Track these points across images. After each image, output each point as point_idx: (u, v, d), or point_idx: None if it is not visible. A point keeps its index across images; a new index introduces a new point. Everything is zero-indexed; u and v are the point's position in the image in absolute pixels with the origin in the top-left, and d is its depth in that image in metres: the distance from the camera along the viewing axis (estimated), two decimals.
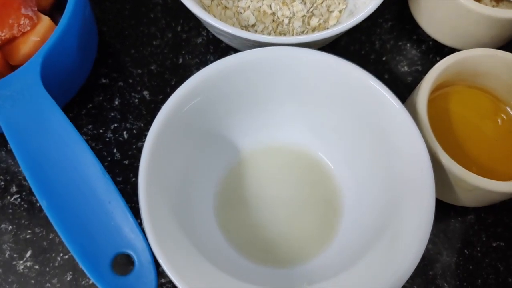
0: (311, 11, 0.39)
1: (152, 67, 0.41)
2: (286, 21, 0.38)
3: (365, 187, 0.35)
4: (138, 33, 0.42)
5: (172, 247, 0.28)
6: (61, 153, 0.28)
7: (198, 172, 0.34)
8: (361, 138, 0.34)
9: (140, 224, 0.28)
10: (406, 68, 0.42)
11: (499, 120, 0.38)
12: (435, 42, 0.42)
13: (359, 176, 0.35)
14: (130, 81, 0.41)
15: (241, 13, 0.38)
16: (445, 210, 0.37)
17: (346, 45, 0.42)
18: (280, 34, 0.38)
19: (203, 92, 0.32)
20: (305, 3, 0.39)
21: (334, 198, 0.36)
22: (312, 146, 0.37)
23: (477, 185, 0.31)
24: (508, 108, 0.37)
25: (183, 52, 0.42)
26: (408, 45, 0.43)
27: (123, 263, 0.28)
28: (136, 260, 0.28)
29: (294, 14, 0.38)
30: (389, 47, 0.43)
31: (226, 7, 0.39)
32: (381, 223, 0.32)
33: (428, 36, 0.42)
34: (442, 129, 0.37)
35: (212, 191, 0.35)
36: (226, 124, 0.35)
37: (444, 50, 0.42)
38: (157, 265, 0.28)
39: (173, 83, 0.41)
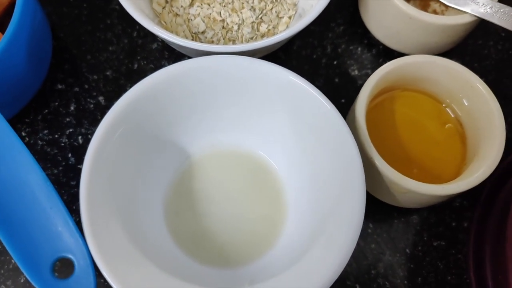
0: (260, 18, 0.40)
1: (108, 73, 0.42)
2: (236, 27, 0.39)
3: (307, 187, 0.36)
4: (94, 38, 0.43)
5: (113, 250, 0.30)
6: (2, 160, 0.29)
7: (146, 177, 0.35)
8: (302, 140, 0.35)
9: (81, 228, 0.29)
10: (356, 72, 0.43)
11: (442, 123, 0.39)
12: (385, 46, 0.43)
13: (302, 177, 0.36)
14: (86, 86, 0.42)
15: (191, 20, 0.39)
16: (389, 211, 0.38)
17: (298, 50, 0.43)
18: (230, 40, 0.39)
19: (147, 100, 0.33)
20: (254, 10, 0.40)
21: (278, 199, 0.37)
22: (258, 149, 0.38)
23: (409, 188, 0.32)
24: (449, 111, 0.39)
25: (139, 57, 0.43)
26: (359, 49, 0.44)
27: (65, 267, 0.29)
28: (76, 264, 0.29)
29: (243, 21, 0.39)
30: (341, 51, 0.44)
31: (177, 14, 0.40)
32: (320, 223, 0.33)
33: (379, 40, 0.43)
34: (386, 132, 0.38)
35: (161, 195, 0.36)
36: (174, 130, 0.36)
37: (393, 54, 0.43)
38: (96, 268, 0.29)
39: (127, 89, 0.41)
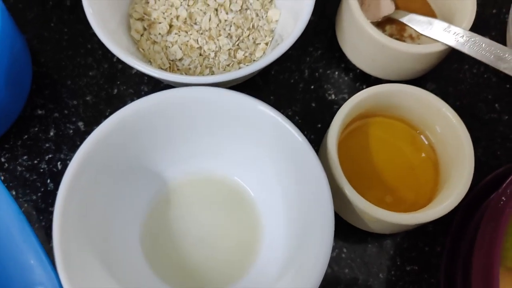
0: (237, 45, 0.40)
1: (88, 98, 0.43)
2: (212, 54, 0.40)
3: (282, 214, 0.36)
4: (75, 63, 0.44)
5: (86, 281, 0.30)
6: None
7: (122, 205, 0.36)
8: (276, 166, 0.36)
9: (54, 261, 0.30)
10: (333, 96, 0.44)
11: (416, 149, 0.39)
12: (362, 70, 0.44)
13: (276, 203, 0.37)
14: (66, 112, 0.42)
15: (169, 47, 0.40)
16: (362, 236, 0.39)
17: (276, 74, 0.44)
18: (206, 67, 0.40)
19: (120, 132, 0.33)
20: (231, 37, 0.40)
21: (254, 225, 0.38)
22: (234, 175, 0.38)
23: (378, 218, 0.33)
24: (423, 137, 0.39)
25: (118, 82, 0.43)
26: (336, 73, 0.44)
27: None
28: None
29: (220, 48, 0.40)
30: (318, 76, 0.44)
31: (154, 41, 0.40)
32: (293, 250, 0.34)
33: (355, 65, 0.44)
34: (360, 158, 0.39)
35: (138, 221, 0.37)
36: (149, 158, 0.37)
37: (370, 79, 0.44)
38: None
39: (107, 114, 0.42)
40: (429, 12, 0.44)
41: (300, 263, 0.32)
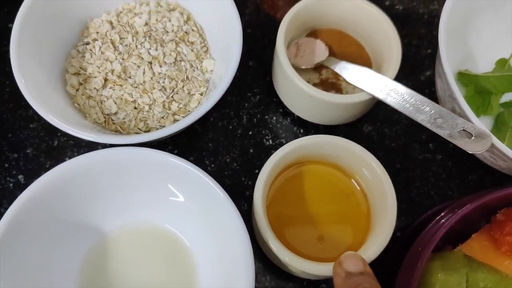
0: (172, 97, 0.41)
1: (28, 151, 0.43)
2: (147, 108, 0.41)
3: (216, 263, 0.37)
4: (16, 116, 0.44)
5: None
6: None
7: (58, 260, 0.37)
8: (206, 219, 0.37)
9: None
10: (271, 142, 0.45)
11: (348, 194, 0.40)
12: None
13: (211, 253, 0.38)
14: (6, 165, 0.43)
15: (104, 101, 0.41)
16: (299, 280, 0.40)
17: (215, 121, 0.45)
18: (141, 120, 0.40)
19: (54, 191, 0.35)
20: (165, 90, 0.41)
21: (191, 275, 0.38)
22: (170, 226, 0.39)
23: (302, 270, 0.34)
24: (355, 183, 0.40)
25: (59, 134, 0.44)
26: (274, 118, 0.45)
27: None
28: None
29: (154, 101, 0.41)
30: (256, 121, 0.45)
31: (90, 96, 0.41)
32: None
33: None
34: (294, 205, 0.40)
35: (75, 274, 0.38)
36: (84, 213, 0.37)
37: (307, 123, 0.45)
38: None
39: (47, 166, 0.43)
40: (363, 56, 0.46)
41: None
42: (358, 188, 0.40)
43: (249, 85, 0.46)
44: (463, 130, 0.35)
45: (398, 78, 0.46)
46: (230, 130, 0.45)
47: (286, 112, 0.45)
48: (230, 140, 0.44)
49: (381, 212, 0.37)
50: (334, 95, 0.39)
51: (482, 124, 0.35)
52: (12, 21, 0.38)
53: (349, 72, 0.42)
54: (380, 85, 0.39)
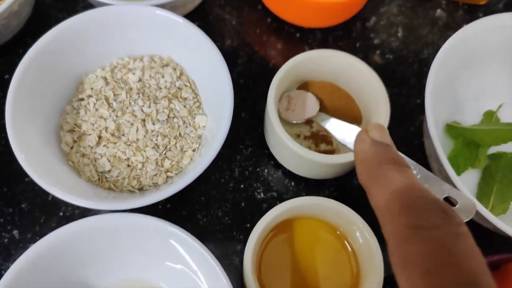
0: (164, 154, 0.42)
1: (23, 205, 0.44)
2: (140, 165, 0.41)
3: None
4: (11, 170, 0.45)
5: None
6: None
7: None
8: (203, 282, 0.38)
9: None
10: (262, 195, 0.45)
11: (338, 250, 0.41)
12: None
13: None
14: (1, 220, 0.43)
15: (98, 159, 0.41)
16: None
17: (207, 174, 0.46)
18: (134, 178, 0.41)
19: (51, 255, 0.36)
20: (158, 147, 0.42)
21: None
22: (167, 285, 0.40)
23: None
24: (342, 236, 0.41)
25: None
26: (266, 170, 0.46)
27: None
28: None
29: (147, 159, 0.41)
30: (248, 174, 0.46)
31: (84, 154, 0.42)
32: None
33: None
34: (283, 259, 0.40)
35: None
36: (81, 273, 0.38)
37: (297, 176, 0.45)
38: None
39: (42, 221, 0.43)
40: (354, 109, 0.46)
41: None
42: (347, 245, 0.41)
43: (241, 137, 0.47)
44: (448, 196, 0.36)
45: (387, 129, 0.47)
46: (222, 183, 0.45)
47: (278, 165, 0.46)
48: (222, 194, 0.45)
49: (369, 274, 0.38)
50: (322, 155, 0.40)
51: (466, 190, 0.36)
52: (8, 72, 0.39)
53: (338, 129, 0.42)
54: None
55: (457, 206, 0.35)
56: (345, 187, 0.46)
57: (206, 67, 0.43)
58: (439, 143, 0.39)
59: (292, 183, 0.46)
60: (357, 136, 0.28)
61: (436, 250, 0.21)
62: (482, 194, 0.45)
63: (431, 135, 0.39)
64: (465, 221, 0.35)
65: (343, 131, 0.42)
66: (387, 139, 0.28)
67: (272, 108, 0.41)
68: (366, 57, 0.51)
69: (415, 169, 0.37)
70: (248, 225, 0.44)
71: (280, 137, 0.40)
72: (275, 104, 0.42)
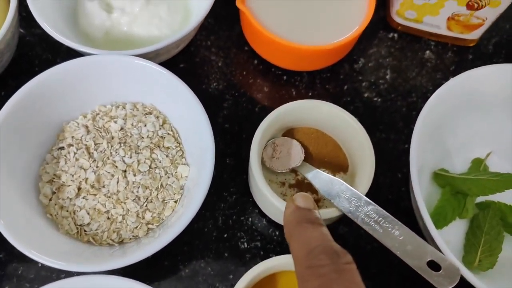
0: (145, 206, 0.41)
1: (1, 255, 0.43)
2: (120, 218, 0.41)
3: None
4: None
5: None
6: None
7: None
8: None
9: None
10: (246, 245, 0.44)
11: None
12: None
13: None
14: None
15: (77, 211, 0.41)
16: None
17: (191, 223, 0.44)
18: (114, 231, 0.40)
19: None
20: (139, 199, 0.41)
21: None
22: None
23: None
24: None
25: None
26: (250, 219, 0.45)
27: None
28: None
29: (128, 211, 0.41)
30: (232, 222, 0.45)
31: (62, 206, 0.41)
32: None
33: None
34: None
35: None
36: None
37: (282, 225, 0.45)
38: None
39: (19, 272, 0.43)
40: (340, 156, 0.46)
41: None
42: None
43: (225, 184, 0.46)
44: (432, 260, 0.35)
45: (375, 176, 0.46)
46: (206, 232, 0.45)
47: (262, 213, 0.45)
48: (205, 243, 0.44)
49: None
50: None
51: (451, 254, 0.36)
52: None
53: (321, 182, 0.41)
54: (351, 201, 0.39)
55: (441, 271, 0.35)
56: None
57: (187, 116, 0.42)
58: (422, 201, 0.38)
59: (277, 232, 0.45)
60: (286, 204, 0.35)
61: (323, 284, 0.27)
62: (470, 245, 0.44)
63: (415, 193, 0.38)
64: (450, 287, 0.34)
65: (326, 184, 0.41)
66: (310, 205, 0.34)
67: (255, 162, 0.40)
68: (353, 101, 0.51)
69: (398, 229, 0.37)
70: (231, 276, 0.43)
71: (263, 192, 0.39)
72: (258, 157, 0.41)
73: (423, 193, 0.46)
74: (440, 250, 0.36)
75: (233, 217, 0.45)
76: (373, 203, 0.39)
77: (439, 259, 0.35)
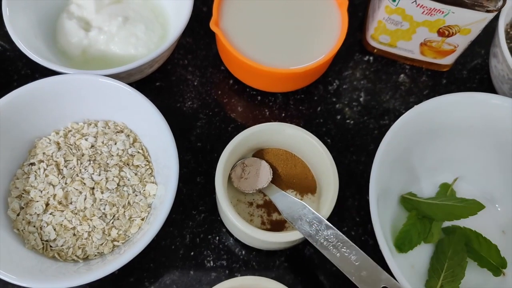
0: (112, 223, 0.42)
1: None
2: (86, 235, 0.41)
3: None
4: None
5: None
6: None
7: None
8: None
9: None
10: (212, 263, 0.45)
11: None
12: None
13: None
14: None
15: (44, 227, 0.41)
16: None
17: (158, 240, 0.45)
18: (79, 248, 0.41)
19: None
20: (105, 216, 0.42)
21: None
22: None
23: None
24: None
25: None
26: (217, 238, 0.46)
27: None
28: None
29: (94, 228, 0.41)
30: (199, 241, 0.46)
31: (30, 221, 0.42)
32: None
33: None
34: None
35: None
36: None
37: (246, 245, 0.45)
38: None
39: None
40: (309, 177, 0.46)
41: None
42: None
43: (194, 202, 0.47)
44: (385, 287, 0.36)
45: (344, 197, 0.47)
46: (173, 250, 0.45)
47: (229, 232, 0.46)
48: (171, 261, 0.45)
49: None
50: (267, 233, 0.39)
51: (405, 280, 0.36)
52: None
53: (284, 204, 0.42)
54: (312, 225, 0.39)
55: None
56: (296, 257, 0.45)
57: (156, 135, 0.43)
58: (379, 227, 0.38)
59: (243, 252, 0.45)
60: None
61: None
62: (433, 270, 0.44)
63: (373, 219, 0.38)
64: None
65: (289, 206, 0.42)
66: None
67: (219, 183, 0.41)
68: (326, 122, 0.51)
69: (355, 254, 0.37)
70: None
71: (228, 216, 0.40)
72: (224, 178, 0.42)
73: (390, 216, 0.46)
74: (394, 277, 0.37)
75: (200, 236, 0.46)
76: (333, 227, 0.39)
77: (392, 286, 0.35)
